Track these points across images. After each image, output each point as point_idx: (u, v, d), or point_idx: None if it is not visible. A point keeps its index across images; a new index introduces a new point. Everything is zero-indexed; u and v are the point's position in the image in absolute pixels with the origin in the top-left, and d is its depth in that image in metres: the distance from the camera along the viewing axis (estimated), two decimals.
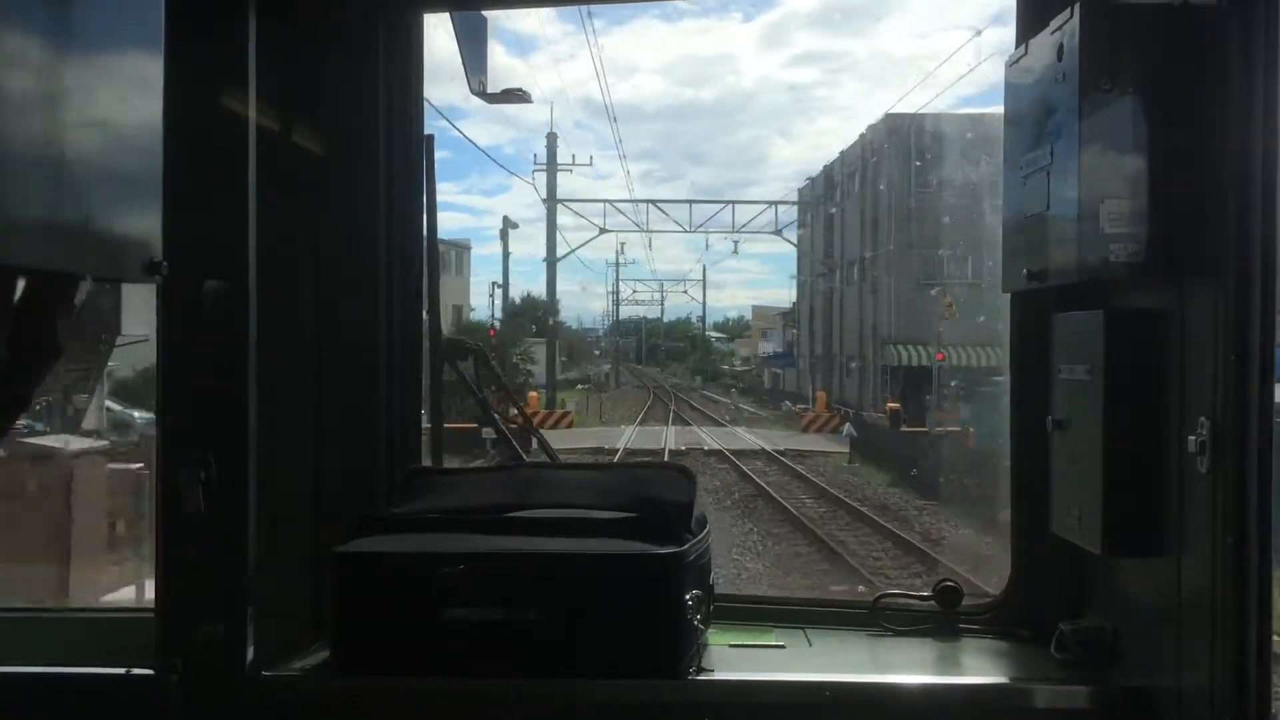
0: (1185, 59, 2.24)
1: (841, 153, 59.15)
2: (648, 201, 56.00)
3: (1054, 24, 2.43)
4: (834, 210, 60.72)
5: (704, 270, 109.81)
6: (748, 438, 40.24)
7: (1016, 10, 2.82)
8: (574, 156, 57.14)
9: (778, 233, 57.08)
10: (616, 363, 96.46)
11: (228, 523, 2.58)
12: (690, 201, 58.84)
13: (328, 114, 2.95)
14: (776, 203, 57.20)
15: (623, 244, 67.86)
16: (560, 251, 53.03)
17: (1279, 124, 2.06)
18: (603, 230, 53.65)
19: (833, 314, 60.99)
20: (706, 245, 72.88)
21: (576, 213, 53.00)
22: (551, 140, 48.78)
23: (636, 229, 56.71)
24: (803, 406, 61.92)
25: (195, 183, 2.40)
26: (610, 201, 54.87)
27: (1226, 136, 2.12)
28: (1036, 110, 2.55)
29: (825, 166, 62.82)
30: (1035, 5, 2.70)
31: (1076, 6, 2.33)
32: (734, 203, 58.08)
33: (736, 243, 61.60)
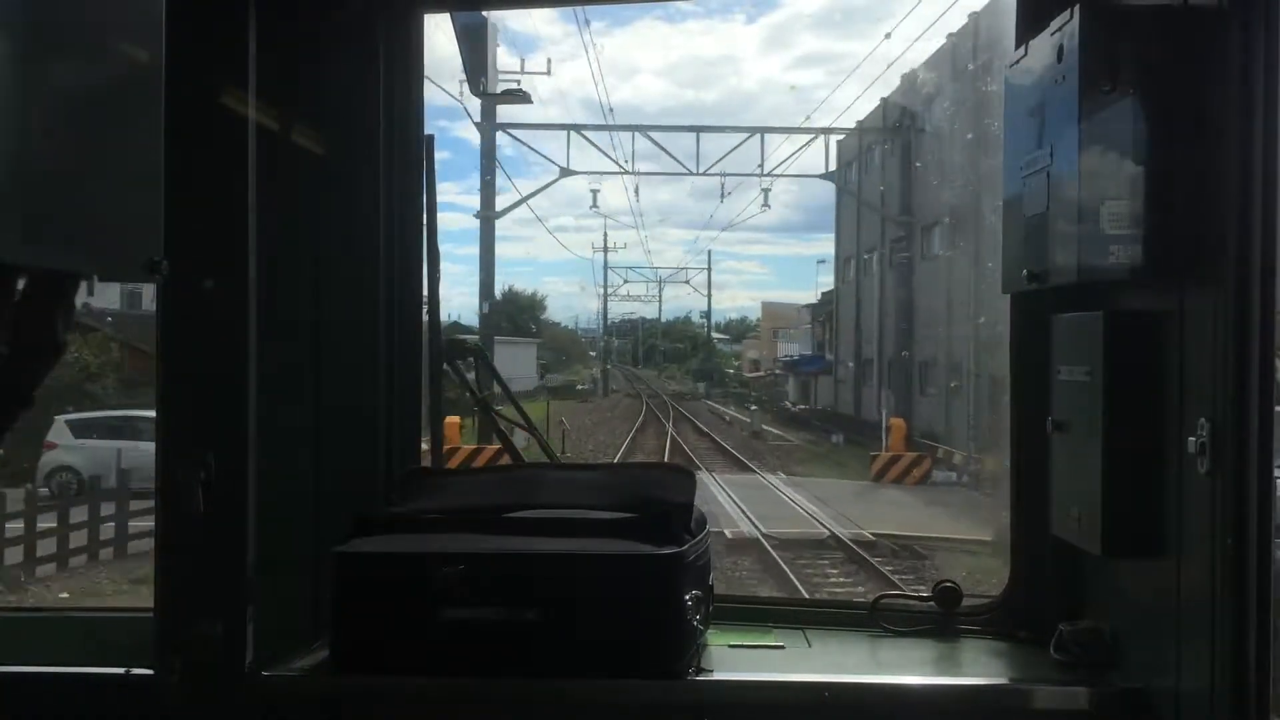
0: (1185, 59, 2.24)
1: (904, 76, 40.46)
2: (633, 128, 36.76)
3: (1054, 25, 2.43)
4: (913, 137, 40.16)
5: (709, 257, 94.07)
6: (792, 497, 24.63)
7: (1016, 11, 2.82)
8: (523, 62, 38.32)
9: (826, 176, 40.89)
10: (606, 368, 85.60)
11: (228, 523, 2.58)
12: (697, 130, 37.32)
13: (328, 114, 2.95)
14: (827, 130, 38.37)
15: (595, 192, 45.84)
16: (511, 199, 35.63)
17: (1279, 125, 2.06)
18: (565, 171, 36.21)
19: (912, 300, 40.31)
20: (722, 195, 44.10)
21: (522, 141, 35.65)
22: (490, 33, 30.18)
23: (619, 170, 38.90)
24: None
25: (195, 182, 2.40)
26: (577, 128, 36.00)
27: (1226, 137, 2.12)
28: (1036, 111, 2.55)
29: (900, 83, 41.25)
30: (1035, 6, 2.70)
31: (1076, 7, 2.33)
32: (762, 130, 37.18)
33: (766, 191, 43.68)
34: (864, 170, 47.43)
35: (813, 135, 37.50)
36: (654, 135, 36.70)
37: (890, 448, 31.14)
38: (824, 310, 60.91)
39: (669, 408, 55.60)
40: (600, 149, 37.08)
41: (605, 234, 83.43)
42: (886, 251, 44.51)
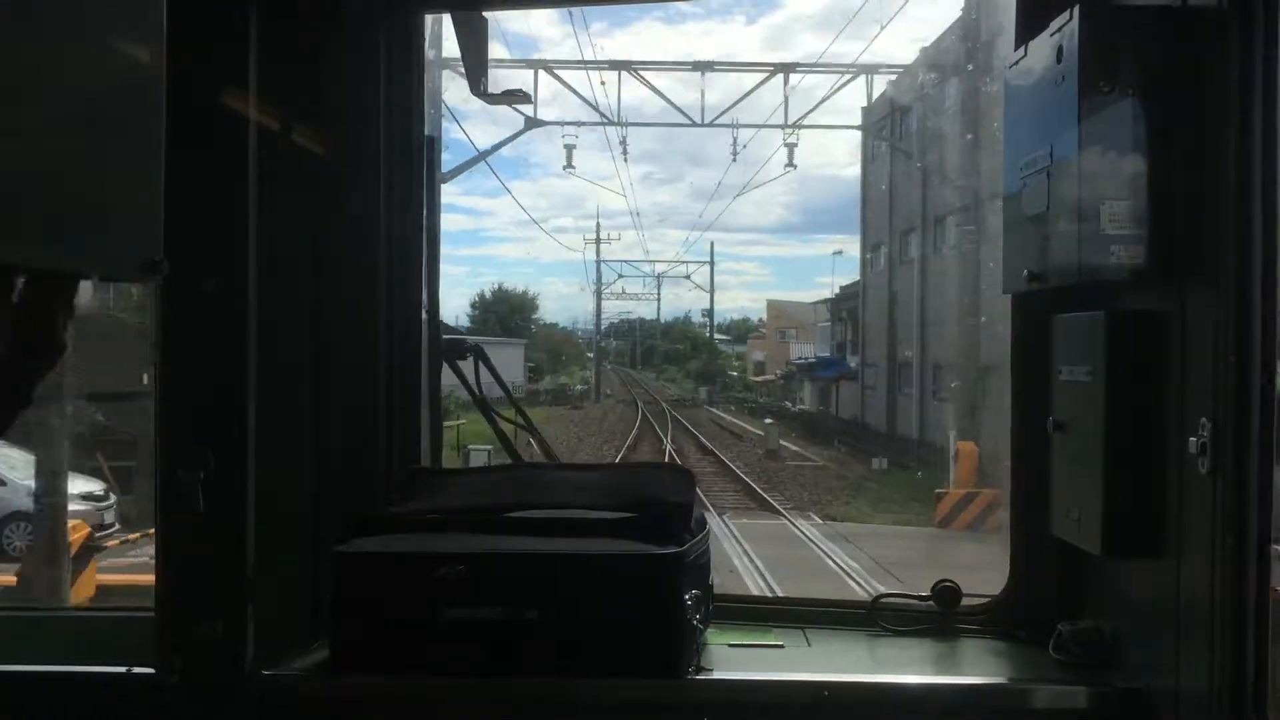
0: (1185, 60, 2.24)
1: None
2: (618, 65, 30.50)
3: (1053, 26, 2.43)
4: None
5: (711, 249, 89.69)
6: (842, 562, 17.85)
7: (1016, 12, 2.82)
8: None
9: (864, 129, 35.06)
10: (599, 370, 78.72)
11: (227, 522, 2.58)
12: (701, 67, 31.11)
13: (328, 114, 2.95)
14: (870, 69, 30.89)
15: (570, 149, 36.89)
16: (464, 156, 29.24)
17: (1279, 125, 2.06)
18: (532, 121, 30.48)
19: (977, 288, 29.06)
20: (735, 151, 35.31)
21: (492, 98, 20.73)
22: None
23: (602, 121, 32.51)
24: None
25: (196, 182, 2.39)
26: (547, 65, 30.44)
27: (1226, 137, 2.12)
28: (1036, 112, 2.55)
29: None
30: (1035, 7, 2.70)
31: (1076, 8, 2.33)
32: (786, 68, 30.30)
33: (792, 147, 33.78)
34: (901, 133, 38.85)
35: (850, 74, 30.51)
36: (656, 90, 30.79)
37: (959, 481, 23.71)
38: (844, 306, 54.03)
39: (667, 416, 52.03)
40: (577, 93, 31.19)
41: (598, 223, 78.57)
42: (930, 231, 37.15)
